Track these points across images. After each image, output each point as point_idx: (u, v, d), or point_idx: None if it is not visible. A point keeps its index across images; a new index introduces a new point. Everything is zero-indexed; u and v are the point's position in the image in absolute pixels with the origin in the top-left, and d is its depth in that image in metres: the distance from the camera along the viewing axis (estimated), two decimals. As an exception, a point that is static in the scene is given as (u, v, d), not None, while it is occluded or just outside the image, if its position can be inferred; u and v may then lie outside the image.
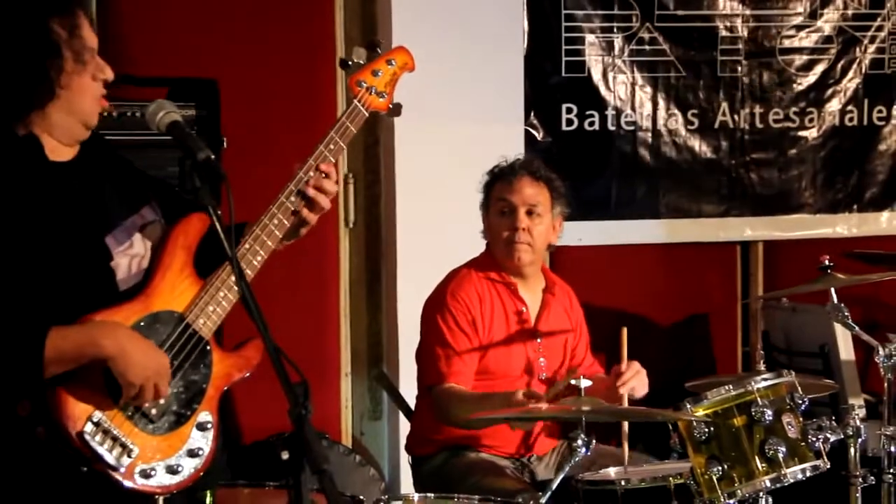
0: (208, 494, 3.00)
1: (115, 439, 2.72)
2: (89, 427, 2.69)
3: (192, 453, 2.82)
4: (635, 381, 3.99)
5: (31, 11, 2.77)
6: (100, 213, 2.85)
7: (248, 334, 3.03)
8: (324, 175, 2.98)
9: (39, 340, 2.64)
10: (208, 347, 2.88)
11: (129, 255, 2.87)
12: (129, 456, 2.73)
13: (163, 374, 2.75)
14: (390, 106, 3.17)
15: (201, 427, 2.85)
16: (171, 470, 2.79)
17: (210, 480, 2.94)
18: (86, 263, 2.78)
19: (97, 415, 2.71)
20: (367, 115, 3.11)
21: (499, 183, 4.23)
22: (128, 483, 2.73)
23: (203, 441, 2.84)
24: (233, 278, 2.85)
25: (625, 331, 4.01)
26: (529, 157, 4.48)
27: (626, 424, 3.97)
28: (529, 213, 4.17)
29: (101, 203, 2.87)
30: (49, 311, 2.69)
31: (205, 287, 2.88)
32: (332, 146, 3.03)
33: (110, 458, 2.70)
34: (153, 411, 2.78)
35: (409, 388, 4.48)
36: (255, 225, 2.93)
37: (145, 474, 2.75)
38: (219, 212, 2.62)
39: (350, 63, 3.14)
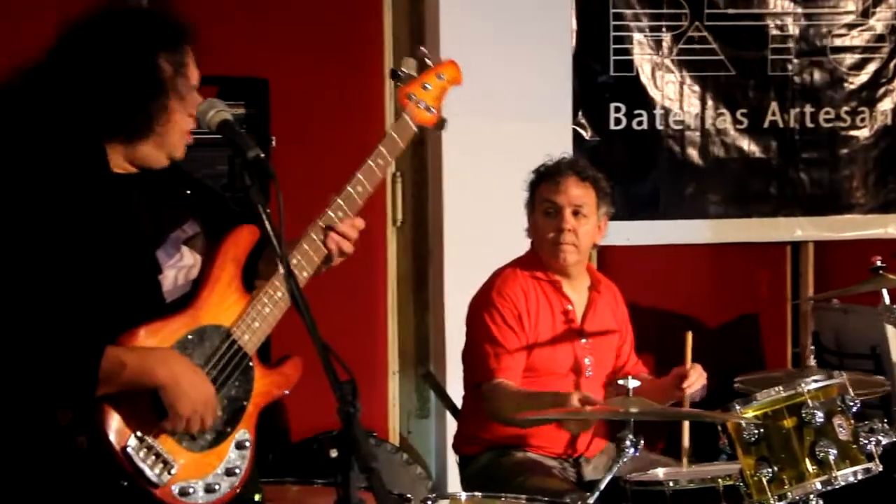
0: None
1: (157, 455, 2.71)
2: (133, 442, 2.68)
3: (229, 472, 2.81)
4: (699, 384, 3.98)
5: (141, 44, 2.75)
6: (154, 226, 2.85)
7: (297, 333, 3.04)
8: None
9: (94, 363, 2.63)
10: (251, 364, 2.87)
11: (177, 268, 2.86)
12: (170, 472, 2.72)
13: (210, 407, 2.75)
14: (437, 121, 3.17)
15: (240, 446, 2.84)
16: (209, 489, 2.77)
17: (242, 494, 2.91)
18: (135, 275, 2.78)
19: (141, 430, 2.70)
20: (415, 129, 3.11)
21: (544, 183, 4.21)
22: (166, 500, 2.72)
23: (240, 460, 2.83)
24: (279, 294, 2.85)
25: (689, 335, 4.00)
26: (575, 157, 4.46)
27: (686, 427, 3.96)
28: (575, 213, 4.15)
29: (156, 216, 2.87)
30: (96, 321, 2.69)
31: (251, 302, 2.87)
32: (380, 161, 3.03)
33: (152, 475, 2.69)
34: None
35: (456, 387, 4.47)
36: (301, 240, 2.93)
37: (184, 492, 2.74)
38: (268, 210, 2.62)
39: (400, 73, 3.13)
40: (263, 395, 2.90)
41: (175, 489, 2.73)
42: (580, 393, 3.83)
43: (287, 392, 2.95)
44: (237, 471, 2.82)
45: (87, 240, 2.70)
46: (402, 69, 3.13)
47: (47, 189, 2.70)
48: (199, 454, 2.77)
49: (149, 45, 2.76)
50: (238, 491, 2.83)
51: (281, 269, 2.80)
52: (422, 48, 3.23)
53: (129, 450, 2.67)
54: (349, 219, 2.98)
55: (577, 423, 3.94)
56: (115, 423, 2.67)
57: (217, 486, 2.78)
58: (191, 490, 2.75)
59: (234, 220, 2.95)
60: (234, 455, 2.82)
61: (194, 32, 2.85)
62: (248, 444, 2.85)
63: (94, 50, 2.73)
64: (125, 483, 2.69)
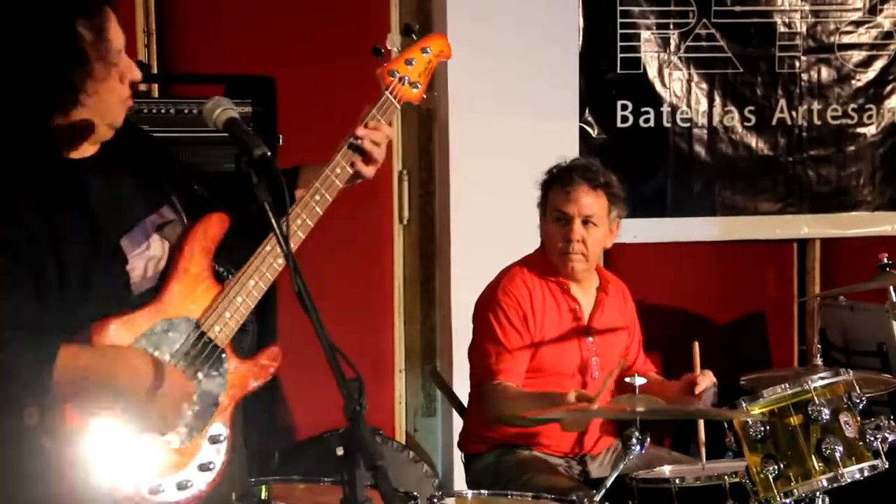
0: (263, 489, 3.00)
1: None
2: (103, 449, 2.61)
3: (203, 467, 2.75)
4: (708, 384, 3.97)
5: (55, 12, 2.64)
6: (117, 213, 2.76)
7: (303, 331, 3.04)
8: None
9: (49, 360, 2.54)
10: (224, 355, 2.79)
11: (145, 258, 2.77)
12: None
13: (187, 396, 2.68)
14: (424, 96, 3.05)
15: (214, 440, 2.77)
16: (181, 486, 2.71)
17: (230, 490, 2.87)
18: (100, 267, 2.68)
19: (110, 435, 2.62)
20: (398, 107, 3.01)
21: (555, 189, 4.16)
22: (136, 500, 2.65)
23: (215, 454, 2.77)
24: (252, 283, 2.79)
25: (696, 345, 4.01)
26: (588, 162, 4.34)
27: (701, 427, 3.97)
28: (585, 222, 4.12)
29: (118, 201, 2.78)
30: (60, 316, 2.60)
31: (222, 292, 2.79)
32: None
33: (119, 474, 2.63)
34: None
35: (462, 386, 4.48)
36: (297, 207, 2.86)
37: (154, 491, 2.68)
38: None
39: (383, 51, 3.03)
40: (239, 387, 2.82)
41: (145, 489, 2.67)
42: (577, 391, 3.83)
43: (264, 382, 2.85)
44: (211, 466, 2.75)
45: (43, 230, 2.61)
46: (386, 45, 3.02)
47: None
48: (168, 453, 2.71)
49: (64, 13, 2.64)
50: (214, 486, 2.75)
51: (267, 263, 2.80)
52: (409, 23, 3.11)
53: (97, 456, 2.60)
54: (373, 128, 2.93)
55: (572, 422, 3.94)
56: (77, 422, 2.59)
57: (189, 483, 2.72)
58: (161, 489, 2.69)
59: (208, 204, 2.88)
60: (207, 449, 2.76)
61: None
62: (223, 437, 2.78)
63: (9, 21, 2.64)
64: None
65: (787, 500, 3.73)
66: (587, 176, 4.16)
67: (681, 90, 5.83)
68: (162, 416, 2.65)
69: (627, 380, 3.67)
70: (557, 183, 4.18)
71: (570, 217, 4.12)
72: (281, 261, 2.80)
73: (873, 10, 5.99)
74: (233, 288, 2.80)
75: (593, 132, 5.74)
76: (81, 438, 2.59)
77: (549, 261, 4.22)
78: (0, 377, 2.56)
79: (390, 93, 3.00)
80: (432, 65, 3.07)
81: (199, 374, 2.76)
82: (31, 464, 2.61)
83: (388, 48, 3.03)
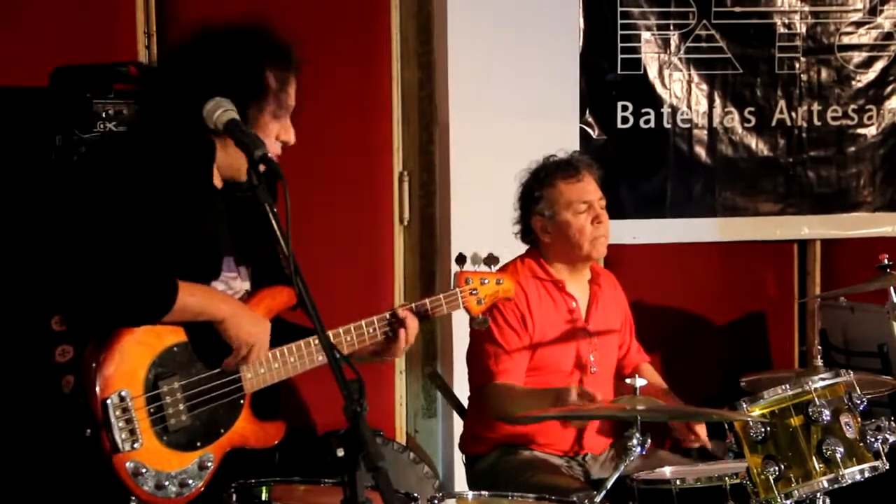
0: (264, 490, 3.02)
1: (129, 422, 2.78)
2: (115, 398, 2.77)
3: (182, 482, 2.89)
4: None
5: (252, 55, 2.98)
6: (229, 238, 3.01)
7: (304, 329, 3.05)
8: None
9: (173, 287, 2.81)
10: (241, 402, 2.98)
11: (228, 284, 3.00)
12: (133, 446, 2.79)
13: (266, 339, 2.96)
14: (481, 315, 3.40)
15: (201, 465, 2.92)
16: (158, 484, 2.85)
17: None
18: (196, 266, 2.92)
19: (127, 392, 2.78)
20: (461, 307, 3.36)
21: (564, 182, 4.18)
22: (118, 469, 2.79)
23: (196, 477, 2.91)
24: (293, 358, 3.01)
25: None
26: (574, 153, 4.40)
27: None
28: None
29: (234, 233, 3.04)
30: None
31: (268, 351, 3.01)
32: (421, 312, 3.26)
33: (116, 435, 2.77)
34: (172, 421, 2.85)
35: (462, 387, 4.47)
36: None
37: (136, 472, 2.81)
38: (275, 209, 2.63)
39: (465, 258, 3.40)
40: (239, 437, 2.99)
41: (130, 465, 2.80)
42: (579, 388, 3.84)
43: (260, 448, 3.06)
44: (190, 483, 2.89)
45: (177, 222, 2.87)
46: (467, 256, 3.40)
47: (160, 179, 2.90)
48: (163, 447, 2.85)
49: (259, 57, 2.99)
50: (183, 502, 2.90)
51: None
52: (492, 254, 3.47)
53: (108, 401, 2.76)
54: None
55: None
56: (105, 373, 2.76)
57: (165, 486, 2.85)
58: (143, 471, 2.81)
59: (279, 278, 3.09)
60: (191, 470, 2.90)
61: (301, 65, 3.10)
62: (209, 465, 2.92)
63: (217, 52, 2.98)
64: (88, 432, 2.76)
65: (788, 502, 3.73)
66: (586, 164, 4.24)
67: (681, 91, 5.83)
68: (251, 347, 2.95)
69: (628, 381, 3.67)
70: (563, 176, 4.19)
71: (592, 203, 4.16)
72: (322, 357, 3.03)
73: (873, 11, 5.99)
74: (274, 353, 3.01)
75: (594, 133, 5.74)
76: (103, 388, 2.77)
77: (540, 260, 4.22)
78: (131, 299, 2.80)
79: (461, 293, 3.37)
80: (497, 295, 3.45)
81: (216, 402, 2.93)
82: (47, 402, 2.83)
83: (467, 260, 3.43)
